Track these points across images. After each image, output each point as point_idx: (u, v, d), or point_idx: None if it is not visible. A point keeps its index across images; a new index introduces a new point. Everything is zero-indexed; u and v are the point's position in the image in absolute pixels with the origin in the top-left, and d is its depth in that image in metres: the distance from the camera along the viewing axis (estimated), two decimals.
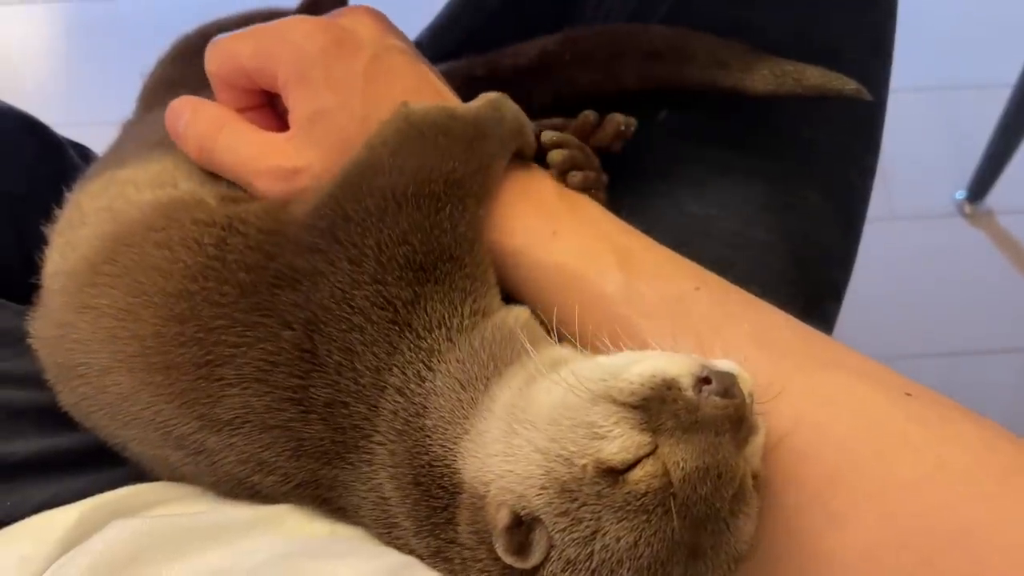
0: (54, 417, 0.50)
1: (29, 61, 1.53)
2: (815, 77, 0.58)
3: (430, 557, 0.42)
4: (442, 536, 0.42)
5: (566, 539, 0.38)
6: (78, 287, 0.49)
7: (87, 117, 0.64)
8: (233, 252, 0.46)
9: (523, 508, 0.39)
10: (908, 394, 0.40)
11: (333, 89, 0.49)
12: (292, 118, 0.50)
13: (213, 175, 0.52)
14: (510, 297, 0.49)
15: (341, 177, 0.47)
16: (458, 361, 0.44)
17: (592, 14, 0.68)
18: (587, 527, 0.38)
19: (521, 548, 0.39)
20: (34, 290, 0.53)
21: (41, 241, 0.54)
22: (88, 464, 0.49)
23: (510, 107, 0.50)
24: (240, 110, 0.52)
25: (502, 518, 0.39)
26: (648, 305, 0.46)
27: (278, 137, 0.50)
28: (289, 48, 0.49)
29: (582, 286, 0.47)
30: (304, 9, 0.68)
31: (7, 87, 1.49)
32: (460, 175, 0.46)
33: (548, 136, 0.52)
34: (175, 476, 0.48)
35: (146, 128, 0.59)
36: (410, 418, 0.43)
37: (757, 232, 0.60)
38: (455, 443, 0.42)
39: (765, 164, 0.62)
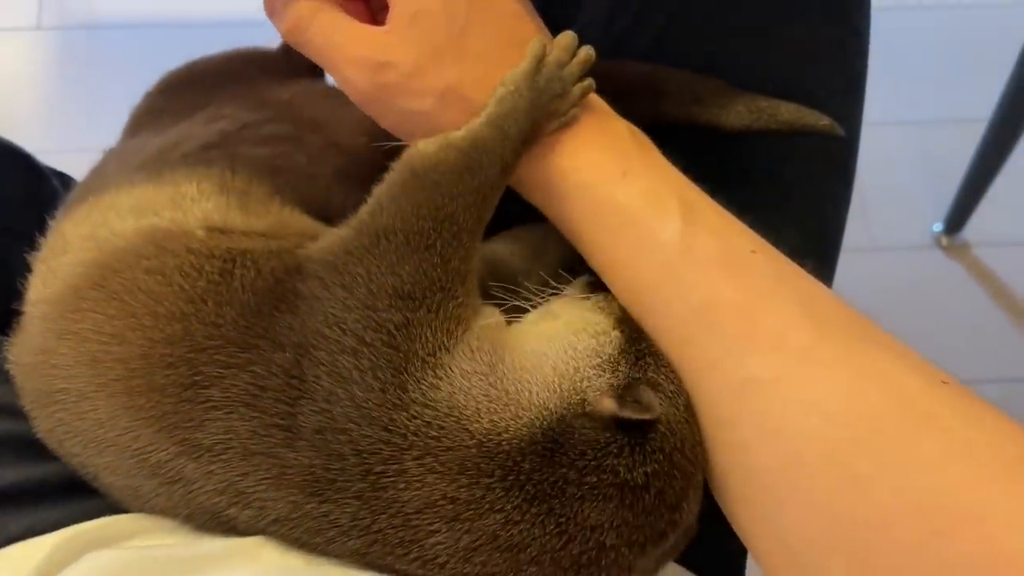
0: (33, 447, 0.50)
1: (14, 88, 1.53)
2: (789, 113, 0.59)
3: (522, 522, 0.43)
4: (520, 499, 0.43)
5: (656, 378, 0.45)
6: (60, 313, 0.49)
7: (72, 144, 0.65)
8: (241, 279, 0.47)
9: (611, 386, 0.45)
10: (944, 382, 0.41)
11: None
12: (392, 14, 0.49)
13: (196, 201, 0.52)
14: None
15: (355, 216, 0.48)
16: (467, 354, 0.45)
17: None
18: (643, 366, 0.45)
19: (640, 408, 0.43)
20: (15, 322, 0.53)
21: (24, 272, 0.54)
22: (65, 495, 0.49)
23: (518, 117, 0.47)
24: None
25: (608, 404, 0.44)
26: (701, 257, 0.46)
27: (374, 30, 0.49)
28: None
29: (641, 229, 0.47)
30: (284, 52, 0.69)
31: None
32: (451, 210, 0.46)
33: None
34: (145, 508, 0.47)
35: (128, 152, 0.59)
36: (441, 418, 0.43)
37: None
38: (497, 414, 0.44)
39: (738, 199, 0.62)
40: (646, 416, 0.43)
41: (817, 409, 0.41)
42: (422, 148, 0.48)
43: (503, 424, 0.44)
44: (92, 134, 0.64)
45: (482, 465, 0.43)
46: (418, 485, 0.43)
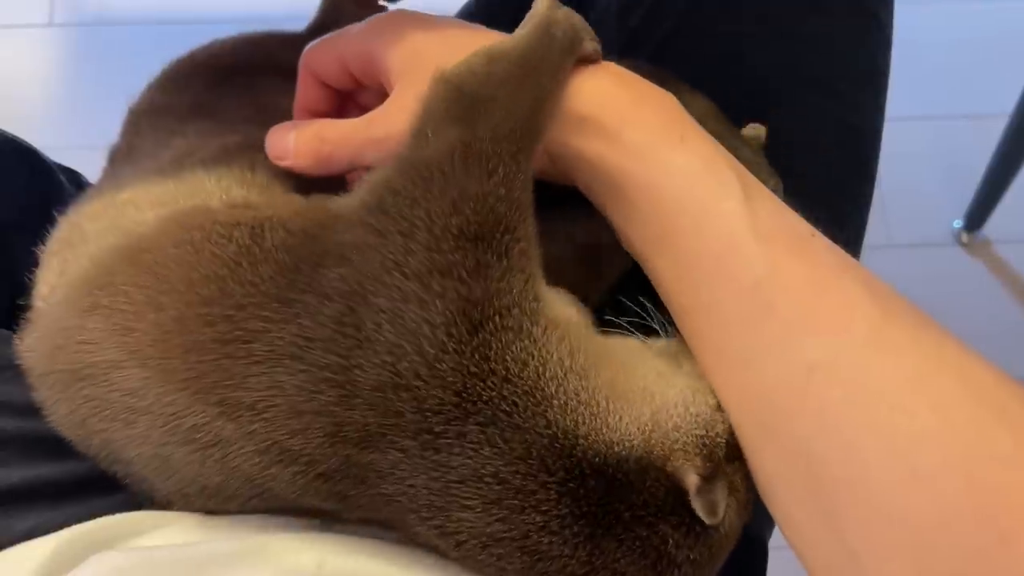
0: (39, 446, 0.49)
1: (26, 84, 1.53)
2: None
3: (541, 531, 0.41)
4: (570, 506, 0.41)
5: (736, 482, 0.43)
6: (87, 291, 0.47)
7: (84, 141, 0.64)
8: (272, 240, 0.45)
9: (702, 466, 0.42)
10: (1009, 380, 0.39)
11: (423, 29, 0.49)
12: (391, 79, 0.50)
13: (215, 192, 0.52)
14: None
15: (391, 159, 0.45)
16: (562, 347, 0.43)
17: None
18: (732, 467, 0.43)
19: (712, 507, 0.42)
20: (20, 317, 0.52)
21: (29, 267, 0.53)
22: (70, 495, 0.48)
23: (562, 21, 0.47)
24: (315, 113, 0.54)
25: (693, 481, 0.42)
26: (766, 229, 0.44)
27: (374, 111, 0.50)
28: (380, 25, 0.51)
29: (702, 197, 0.45)
30: (311, 35, 0.68)
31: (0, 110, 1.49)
32: (509, 127, 0.44)
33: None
34: (173, 478, 0.46)
35: (142, 156, 0.58)
36: (521, 396, 0.41)
37: None
38: (583, 417, 0.42)
39: None
40: (709, 519, 0.42)
41: (883, 398, 0.39)
42: (466, 66, 0.45)
43: (585, 430, 0.42)
44: (104, 131, 0.64)
45: (547, 459, 0.41)
46: (472, 454, 0.41)
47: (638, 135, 0.46)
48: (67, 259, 0.51)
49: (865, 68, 0.65)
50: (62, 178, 0.68)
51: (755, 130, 0.57)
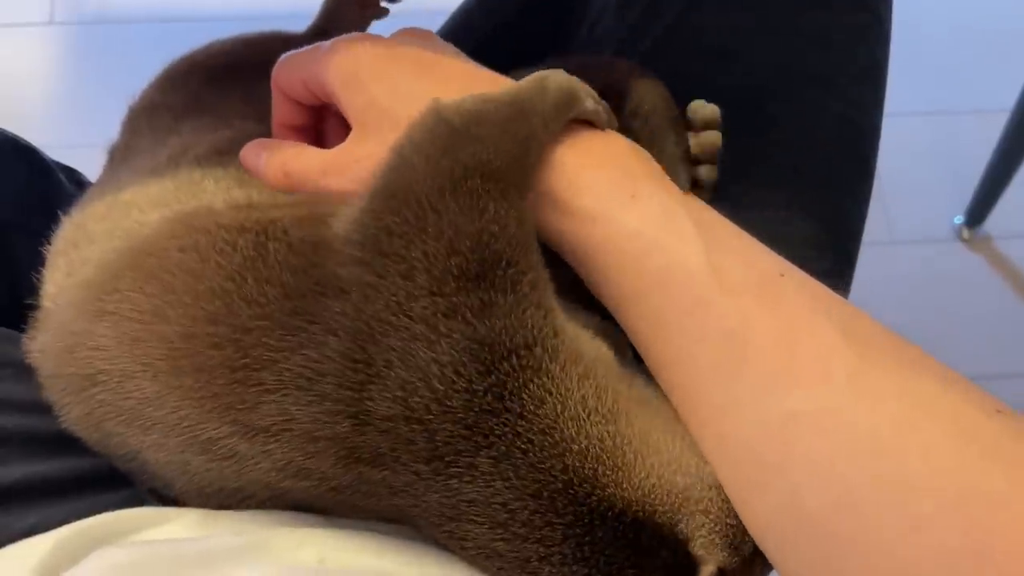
0: (40, 444, 0.49)
1: (27, 83, 1.53)
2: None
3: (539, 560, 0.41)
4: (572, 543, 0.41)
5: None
6: (94, 295, 0.47)
7: (85, 140, 0.65)
8: (275, 254, 0.44)
9: (725, 558, 0.41)
10: (998, 411, 0.38)
11: (379, 79, 0.49)
12: (348, 119, 0.50)
13: (216, 192, 0.52)
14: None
15: (376, 185, 0.44)
16: (588, 386, 0.42)
17: (585, 38, 0.68)
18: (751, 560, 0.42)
19: None
20: (21, 314, 0.52)
21: (27, 266, 0.53)
22: (71, 493, 0.48)
23: (557, 79, 0.47)
24: (292, 127, 0.55)
25: (709, 572, 0.41)
26: (733, 283, 0.43)
27: (340, 146, 0.50)
28: (340, 56, 0.51)
29: (661, 256, 0.44)
30: (312, 36, 0.69)
31: (1, 108, 1.49)
32: (498, 165, 0.43)
33: (713, 138, 0.48)
34: (193, 481, 0.46)
35: (139, 156, 0.58)
36: (537, 435, 0.41)
37: None
38: (605, 467, 0.41)
39: (757, 193, 0.61)
40: None
41: (870, 445, 0.38)
42: (459, 103, 0.45)
43: (604, 481, 0.41)
44: (105, 129, 0.64)
45: (558, 501, 0.40)
46: (483, 484, 0.41)
47: (588, 202, 0.45)
48: (73, 259, 0.51)
49: (864, 64, 0.64)
50: (61, 176, 0.68)
51: (702, 107, 0.55)
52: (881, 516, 0.37)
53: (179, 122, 0.59)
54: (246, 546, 0.44)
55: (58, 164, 0.69)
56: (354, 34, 0.52)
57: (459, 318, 0.41)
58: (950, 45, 1.60)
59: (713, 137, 0.51)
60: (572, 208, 0.46)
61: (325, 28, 0.68)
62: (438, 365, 0.40)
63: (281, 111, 0.55)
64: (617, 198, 0.45)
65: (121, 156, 0.60)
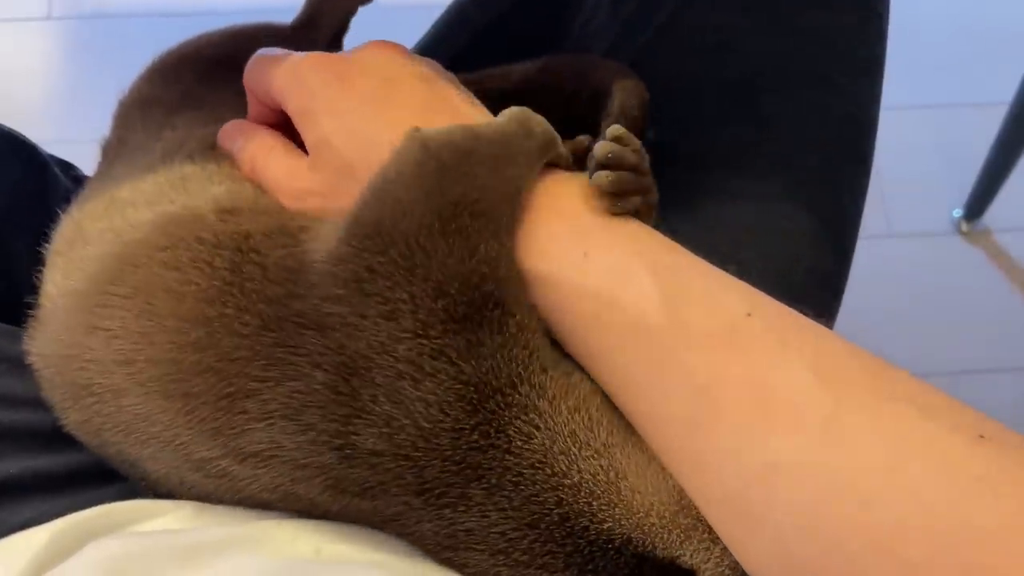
0: (38, 439, 0.49)
1: (25, 79, 1.53)
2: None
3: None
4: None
5: None
6: (88, 307, 0.47)
7: (82, 135, 0.64)
8: (250, 281, 0.43)
9: None
10: (982, 436, 0.37)
11: (332, 115, 0.49)
12: (306, 147, 0.51)
13: (205, 187, 0.52)
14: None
15: (357, 215, 0.43)
16: (580, 420, 0.42)
17: (580, 33, 0.68)
18: None
19: None
20: (16, 309, 0.53)
21: (24, 262, 0.53)
22: (67, 487, 0.49)
23: (538, 120, 0.46)
24: (268, 124, 0.54)
25: None
26: (698, 334, 0.41)
27: (302, 161, 0.50)
28: (296, 82, 0.50)
29: (621, 314, 0.42)
30: (299, 27, 0.68)
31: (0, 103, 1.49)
32: (487, 205, 0.42)
33: (604, 149, 0.45)
34: (190, 494, 0.47)
35: (132, 152, 0.58)
36: (527, 469, 0.40)
37: (744, 255, 0.59)
38: (600, 502, 0.40)
39: (754, 186, 0.61)
40: None
41: (853, 493, 0.36)
42: (448, 137, 0.44)
43: (602, 516, 0.40)
44: (103, 124, 0.64)
45: (557, 533, 0.40)
46: (478, 514, 0.40)
47: (541, 265, 0.44)
48: (70, 260, 0.51)
49: (862, 59, 0.64)
50: (57, 171, 0.68)
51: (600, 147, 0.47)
52: (873, 563, 0.36)
53: (172, 116, 0.59)
54: (242, 537, 0.44)
55: (54, 159, 0.69)
56: (310, 55, 0.51)
57: (445, 359, 0.40)
58: (949, 38, 1.60)
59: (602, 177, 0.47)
60: (526, 273, 0.44)
61: (313, 17, 0.68)
62: (423, 404, 0.40)
63: (253, 110, 0.56)
64: (571, 259, 0.44)
65: (115, 151, 0.60)
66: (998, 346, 1.37)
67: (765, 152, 0.62)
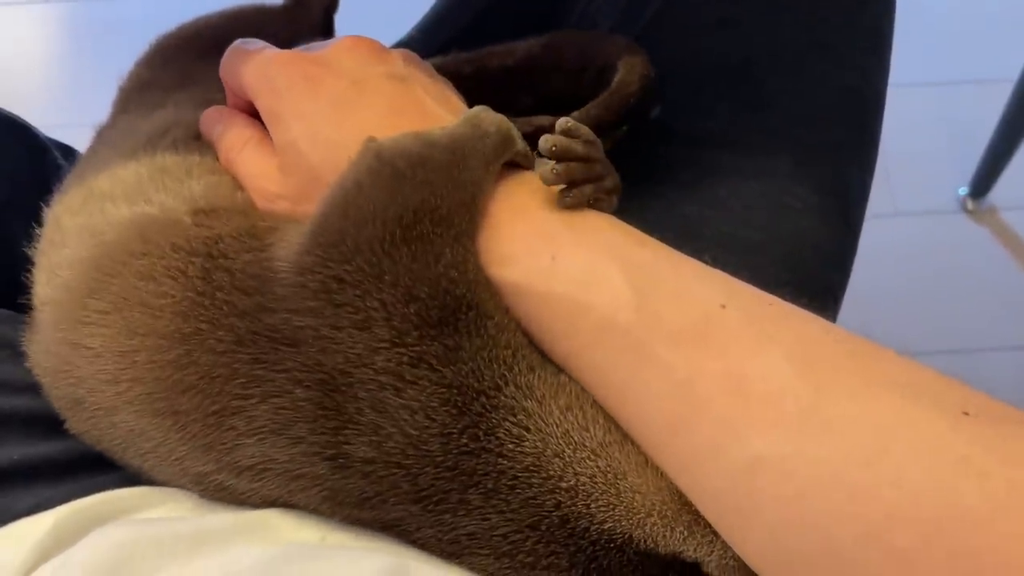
0: (40, 424, 0.49)
1: (24, 62, 1.53)
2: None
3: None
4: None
5: None
6: (70, 323, 0.47)
7: (82, 118, 0.64)
8: (220, 290, 0.43)
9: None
10: (966, 413, 0.36)
11: (299, 119, 0.48)
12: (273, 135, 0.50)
13: (184, 183, 0.51)
14: None
15: (320, 225, 0.43)
16: (575, 418, 0.41)
17: (583, 10, 0.67)
18: None
19: None
20: (19, 295, 0.52)
21: (24, 246, 0.53)
22: (70, 473, 0.48)
23: (491, 120, 0.45)
24: (244, 112, 0.54)
25: None
26: (673, 331, 0.40)
27: (273, 160, 0.50)
28: (264, 83, 0.50)
29: (594, 315, 0.42)
30: (290, 6, 0.68)
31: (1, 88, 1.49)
32: (446, 211, 0.42)
33: (548, 142, 0.45)
34: (194, 499, 0.47)
35: (119, 134, 0.58)
36: (522, 472, 0.40)
37: (749, 232, 0.58)
38: (598, 503, 0.40)
39: (759, 163, 0.61)
40: None
41: (839, 484, 0.36)
42: (400, 145, 0.44)
43: (602, 517, 0.40)
44: (103, 108, 0.64)
45: (559, 534, 0.40)
46: (478, 517, 0.40)
47: (507, 273, 0.44)
48: (51, 261, 0.50)
49: (868, 31, 0.64)
50: (57, 155, 0.67)
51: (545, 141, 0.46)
52: (863, 554, 0.35)
53: (167, 96, 0.59)
54: (247, 525, 0.44)
55: (54, 142, 0.69)
56: (280, 54, 0.51)
57: (425, 366, 0.40)
58: (953, 15, 1.59)
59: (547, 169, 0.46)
60: (497, 280, 0.44)
61: (300, 2, 0.67)
62: (408, 411, 0.40)
63: (230, 100, 0.55)
64: (538, 264, 0.43)
65: (107, 134, 0.60)
66: (1003, 324, 1.37)
67: (771, 128, 0.62)
